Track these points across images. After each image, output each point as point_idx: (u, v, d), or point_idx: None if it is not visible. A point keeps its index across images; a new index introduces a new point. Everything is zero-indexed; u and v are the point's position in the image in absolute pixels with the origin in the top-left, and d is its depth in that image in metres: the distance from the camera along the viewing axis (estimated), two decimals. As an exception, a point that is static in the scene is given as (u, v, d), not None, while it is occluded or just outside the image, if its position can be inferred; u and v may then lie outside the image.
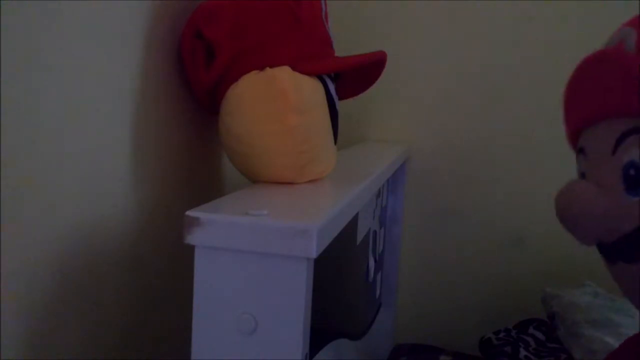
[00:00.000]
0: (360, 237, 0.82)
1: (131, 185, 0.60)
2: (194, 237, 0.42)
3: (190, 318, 0.44)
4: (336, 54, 0.69)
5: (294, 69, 0.59)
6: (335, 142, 0.67)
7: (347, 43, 1.22)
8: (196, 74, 0.64)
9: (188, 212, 0.42)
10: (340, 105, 0.69)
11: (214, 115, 0.67)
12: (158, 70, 0.63)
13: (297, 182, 0.61)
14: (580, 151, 0.47)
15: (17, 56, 0.43)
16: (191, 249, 0.43)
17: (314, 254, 0.41)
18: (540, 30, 1.15)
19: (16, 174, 0.44)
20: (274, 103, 0.57)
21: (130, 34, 0.57)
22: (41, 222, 0.47)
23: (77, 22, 0.50)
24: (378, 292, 1.12)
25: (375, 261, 1.02)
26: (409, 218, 1.25)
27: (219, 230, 0.42)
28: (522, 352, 0.92)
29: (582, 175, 0.47)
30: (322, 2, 0.67)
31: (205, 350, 0.44)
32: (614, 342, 0.81)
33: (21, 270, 0.46)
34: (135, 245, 0.62)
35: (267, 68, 0.58)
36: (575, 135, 0.49)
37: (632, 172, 0.41)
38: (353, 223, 0.74)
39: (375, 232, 0.98)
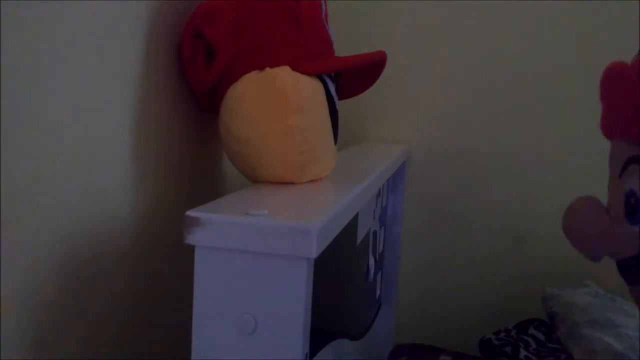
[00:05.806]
0: (360, 237, 0.81)
1: (131, 185, 0.60)
2: (194, 237, 0.42)
3: (190, 318, 0.44)
4: (336, 54, 0.69)
5: (294, 69, 0.59)
6: (335, 142, 0.67)
7: (347, 43, 1.22)
8: (196, 74, 0.64)
9: (188, 212, 0.42)
10: (340, 105, 0.69)
11: (214, 115, 0.67)
12: (158, 70, 0.63)
13: (297, 182, 0.61)
14: (610, 156, 0.45)
15: (17, 56, 0.43)
16: (191, 249, 0.43)
17: (314, 254, 0.41)
18: (542, 31, 1.15)
19: (16, 174, 0.44)
20: (274, 103, 0.57)
21: (130, 34, 0.57)
22: (41, 222, 0.47)
23: (77, 22, 0.50)
24: (378, 292, 1.11)
25: (375, 261, 1.02)
26: (409, 218, 1.25)
27: (219, 230, 0.42)
28: (522, 353, 0.92)
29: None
30: (322, 2, 0.67)
31: (205, 350, 0.44)
32: (614, 343, 0.80)
33: (21, 270, 0.46)
34: (135, 246, 0.62)
35: (267, 68, 0.58)
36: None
37: (632, 200, 0.40)
38: (353, 223, 0.74)
39: (375, 232, 0.98)
